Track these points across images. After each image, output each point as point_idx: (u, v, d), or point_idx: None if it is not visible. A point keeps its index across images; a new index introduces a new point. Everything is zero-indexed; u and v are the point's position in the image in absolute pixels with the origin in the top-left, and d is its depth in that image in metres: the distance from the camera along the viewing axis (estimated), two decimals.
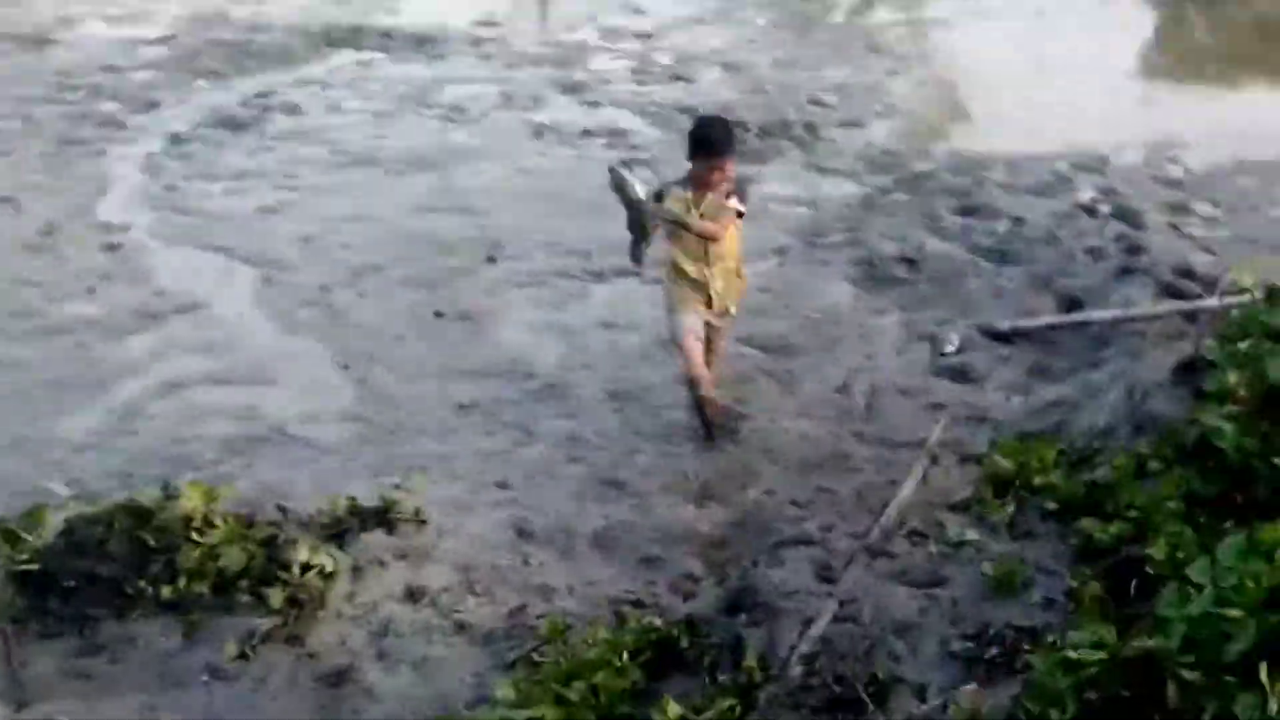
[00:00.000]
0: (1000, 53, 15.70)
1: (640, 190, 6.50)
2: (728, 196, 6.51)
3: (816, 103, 13.02)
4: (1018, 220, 9.39)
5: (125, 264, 9.22)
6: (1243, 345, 5.40)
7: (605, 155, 11.42)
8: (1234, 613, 3.64)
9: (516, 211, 10.18)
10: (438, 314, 8.39)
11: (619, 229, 9.55)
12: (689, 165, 6.60)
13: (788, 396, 7.21)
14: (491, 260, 9.25)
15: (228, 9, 17.50)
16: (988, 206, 9.73)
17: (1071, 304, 7.98)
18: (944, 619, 4.40)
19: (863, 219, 9.81)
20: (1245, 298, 6.23)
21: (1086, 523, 4.79)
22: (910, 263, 8.85)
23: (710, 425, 6.71)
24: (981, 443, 6.33)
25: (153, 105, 13.29)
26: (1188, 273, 7.94)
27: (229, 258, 9.40)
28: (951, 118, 12.72)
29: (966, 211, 9.76)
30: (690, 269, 6.66)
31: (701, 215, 6.53)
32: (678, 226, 6.55)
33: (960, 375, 7.29)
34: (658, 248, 6.88)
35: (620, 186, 6.54)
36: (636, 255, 6.81)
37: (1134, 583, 4.25)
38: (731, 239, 6.67)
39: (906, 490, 5.29)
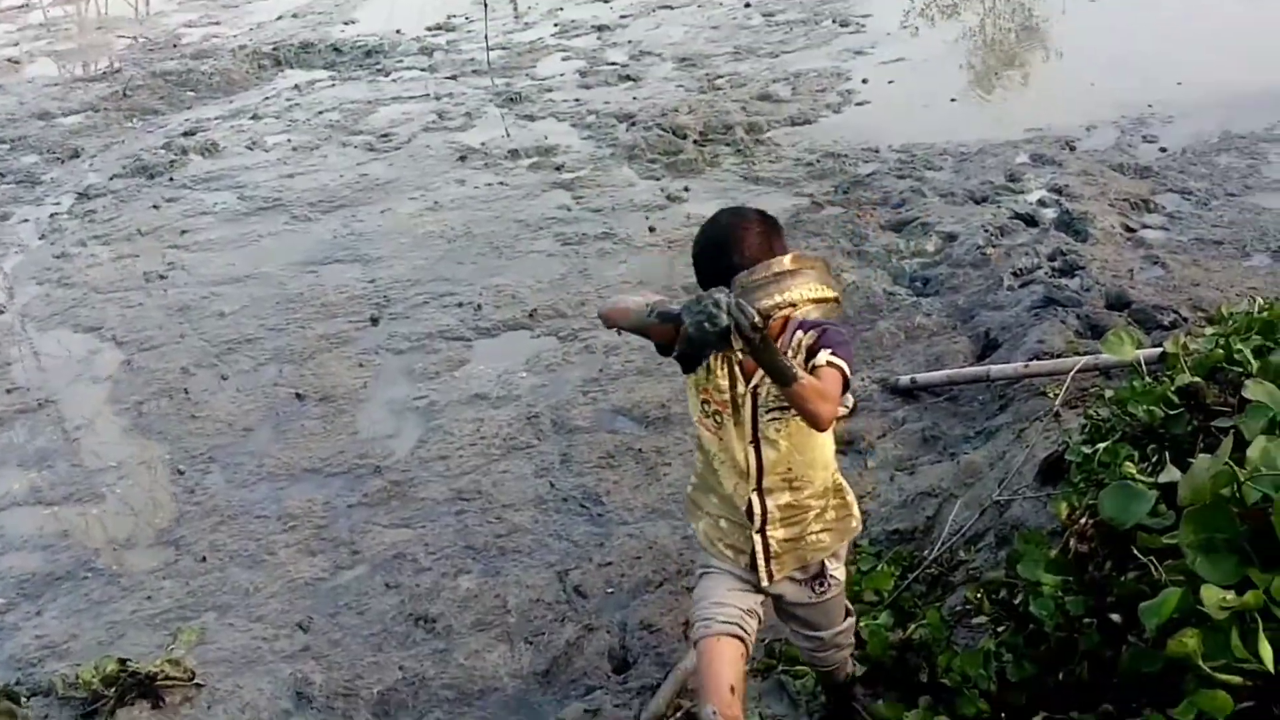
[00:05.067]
0: (979, 19, 14.65)
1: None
2: (814, 347, 3.34)
3: (766, 98, 12.02)
4: (949, 237, 8.35)
5: None
6: (1102, 447, 4.38)
7: (528, 180, 10.63)
8: None
9: (414, 258, 9.38)
10: (298, 396, 7.64)
11: (517, 273, 8.83)
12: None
13: (649, 486, 6.33)
14: (374, 321, 8.47)
15: (182, 33, 17.04)
16: (920, 220, 8.67)
17: (987, 346, 6.94)
18: None
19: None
20: (1118, 355, 4.71)
21: (881, 708, 3.89)
22: None
23: None
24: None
25: (74, 155, 12.71)
26: (1120, 302, 6.90)
27: (99, 339, 8.71)
28: (913, 103, 11.58)
29: (897, 226, 8.73)
30: (725, 483, 3.56)
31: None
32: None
33: (845, 446, 6.35)
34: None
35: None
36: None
37: None
38: (812, 447, 3.53)
39: (672, 679, 4.38)
